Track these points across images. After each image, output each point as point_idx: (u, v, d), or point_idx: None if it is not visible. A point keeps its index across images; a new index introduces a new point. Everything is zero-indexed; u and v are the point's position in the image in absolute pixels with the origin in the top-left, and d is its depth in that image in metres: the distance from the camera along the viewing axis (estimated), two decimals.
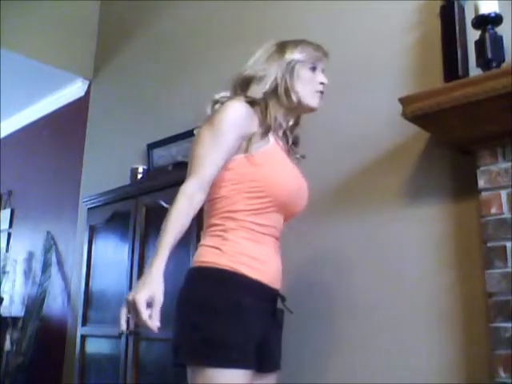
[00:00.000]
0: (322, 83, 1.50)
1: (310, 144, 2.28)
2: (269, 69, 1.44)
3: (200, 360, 1.24)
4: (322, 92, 1.51)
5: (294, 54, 1.45)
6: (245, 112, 1.37)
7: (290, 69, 1.44)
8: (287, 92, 1.43)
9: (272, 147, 1.41)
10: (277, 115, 1.43)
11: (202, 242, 1.39)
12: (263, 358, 1.33)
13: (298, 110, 1.51)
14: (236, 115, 1.36)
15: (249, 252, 1.34)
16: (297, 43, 1.49)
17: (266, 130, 1.39)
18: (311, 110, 1.52)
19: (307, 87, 1.47)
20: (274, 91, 1.43)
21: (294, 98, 1.44)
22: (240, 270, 1.30)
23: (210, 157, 1.32)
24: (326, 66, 1.54)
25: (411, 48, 2.06)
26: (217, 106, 1.42)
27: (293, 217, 1.51)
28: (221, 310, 1.26)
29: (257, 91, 1.43)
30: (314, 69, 1.49)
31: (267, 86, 1.43)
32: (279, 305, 1.43)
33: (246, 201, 1.35)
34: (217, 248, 1.33)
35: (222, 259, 1.31)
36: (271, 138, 1.42)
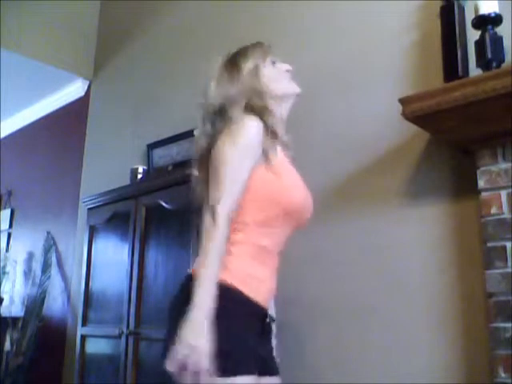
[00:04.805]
0: (287, 70, 1.54)
1: (311, 144, 2.29)
2: (237, 87, 1.43)
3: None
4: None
5: (249, 63, 1.48)
6: (260, 127, 1.36)
7: (254, 75, 1.45)
8: (263, 96, 1.42)
9: (281, 157, 1.42)
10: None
11: None
12: (262, 366, 1.33)
13: (284, 102, 1.50)
14: (256, 132, 1.34)
15: (250, 271, 1.34)
16: (243, 53, 1.52)
17: (273, 139, 1.38)
18: (297, 95, 1.54)
19: (281, 80, 1.50)
20: (250, 104, 1.41)
21: (278, 92, 1.45)
22: (239, 288, 1.29)
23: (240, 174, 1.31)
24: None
25: (411, 48, 2.06)
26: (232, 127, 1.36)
27: (301, 227, 1.50)
28: (222, 324, 1.22)
29: (237, 110, 1.40)
30: (273, 63, 1.52)
31: (244, 102, 1.41)
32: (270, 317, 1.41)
33: (256, 211, 1.34)
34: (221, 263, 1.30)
35: (225, 274, 1.28)
36: (277, 147, 1.42)
